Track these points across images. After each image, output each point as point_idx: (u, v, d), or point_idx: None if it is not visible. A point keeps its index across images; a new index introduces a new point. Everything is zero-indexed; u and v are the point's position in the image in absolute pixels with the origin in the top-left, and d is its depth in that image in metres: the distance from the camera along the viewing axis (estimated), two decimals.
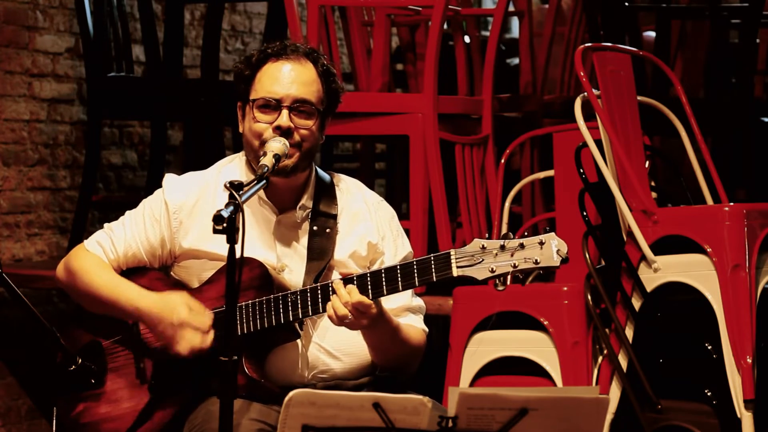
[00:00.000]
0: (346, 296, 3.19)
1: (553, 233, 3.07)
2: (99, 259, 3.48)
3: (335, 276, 3.38)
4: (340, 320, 3.22)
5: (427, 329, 3.49)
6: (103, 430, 3.45)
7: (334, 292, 3.22)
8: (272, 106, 3.36)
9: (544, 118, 5.95)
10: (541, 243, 3.07)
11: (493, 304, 4.31)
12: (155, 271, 3.50)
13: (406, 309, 3.45)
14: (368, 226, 3.48)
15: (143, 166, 6.21)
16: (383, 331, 3.31)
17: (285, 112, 3.35)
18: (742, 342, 3.97)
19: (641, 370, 4.12)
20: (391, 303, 3.38)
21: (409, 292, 3.43)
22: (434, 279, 3.16)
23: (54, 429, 3.52)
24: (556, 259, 3.06)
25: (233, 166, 3.50)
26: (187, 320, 3.32)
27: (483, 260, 3.11)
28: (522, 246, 3.08)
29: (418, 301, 3.50)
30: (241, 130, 3.45)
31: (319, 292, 3.27)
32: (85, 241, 3.54)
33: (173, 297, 3.37)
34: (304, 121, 3.38)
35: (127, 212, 3.53)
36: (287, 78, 3.38)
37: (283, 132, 3.34)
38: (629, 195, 4.18)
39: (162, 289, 3.46)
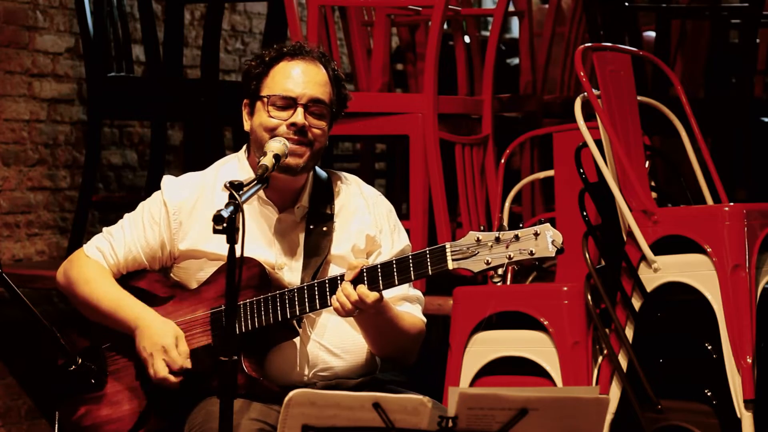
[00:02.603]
0: (351, 290, 3.20)
1: (548, 224, 3.08)
2: (99, 266, 3.48)
3: (332, 271, 3.39)
4: (347, 313, 3.23)
5: (425, 319, 3.49)
6: None
7: (336, 286, 3.24)
8: (288, 103, 3.37)
9: (544, 118, 5.95)
10: (536, 234, 3.08)
11: (493, 303, 4.31)
12: (154, 273, 3.51)
13: (402, 298, 3.46)
14: (366, 220, 3.49)
15: (143, 166, 6.22)
16: (383, 320, 3.32)
17: (300, 110, 3.36)
18: (742, 342, 3.97)
19: (641, 370, 4.12)
20: (387, 292, 3.38)
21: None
22: (430, 272, 3.17)
23: None
24: (551, 249, 3.07)
25: (231, 166, 3.50)
26: (167, 348, 3.33)
27: (478, 252, 3.12)
28: (517, 237, 3.09)
29: (415, 292, 3.51)
30: (247, 128, 3.45)
31: (316, 288, 3.27)
32: (84, 246, 3.54)
33: (170, 324, 3.38)
34: (317, 121, 3.39)
35: (126, 215, 3.53)
36: (303, 77, 3.39)
37: (298, 130, 3.35)
38: (629, 195, 4.18)
39: (161, 291, 3.47)
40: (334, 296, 3.24)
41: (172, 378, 3.33)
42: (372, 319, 3.32)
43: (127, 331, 3.41)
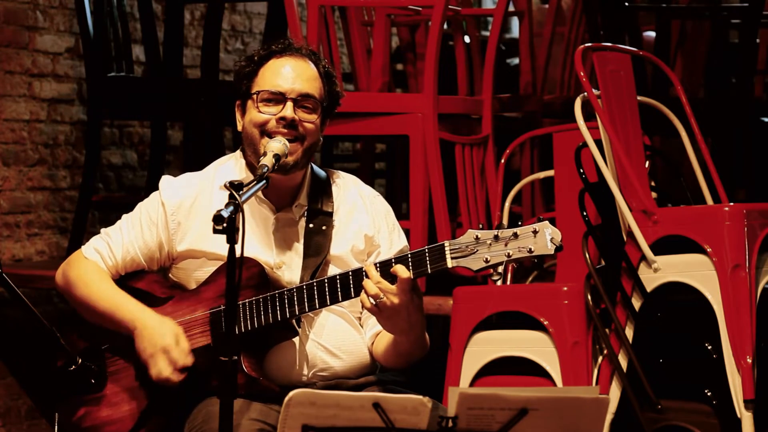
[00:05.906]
0: (377, 276, 3.17)
1: (546, 222, 3.07)
2: (97, 267, 3.48)
3: (331, 271, 3.39)
4: (375, 297, 3.16)
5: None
6: None
7: (336, 285, 3.23)
8: (277, 98, 3.37)
9: (544, 118, 5.95)
10: (535, 232, 3.07)
11: (493, 304, 4.31)
12: (153, 274, 3.51)
13: None
14: (364, 220, 3.49)
15: (143, 166, 6.22)
16: (417, 305, 3.23)
17: (290, 104, 3.37)
18: (742, 342, 3.97)
19: (641, 370, 4.12)
20: None
21: None
22: (429, 271, 3.16)
23: None
24: (550, 247, 3.06)
25: (229, 166, 3.50)
26: (168, 348, 3.32)
27: (477, 251, 3.11)
28: (516, 235, 3.09)
29: None
30: (239, 128, 3.45)
31: (315, 288, 3.27)
32: (82, 247, 3.54)
33: (168, 323, 3.37)
34: (308, 115, 3.39)
35: (124, 216, 3.53)
36: (291, 73, 3.40)
37: (288, 124, 3.35)
38: (629, 195, 4.18)
39: (160, 292, 3.46)
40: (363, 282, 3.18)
41: (174, 377, 3.32)
42: (410, 304, 3.20)
43: (126, 332, 3.40)
